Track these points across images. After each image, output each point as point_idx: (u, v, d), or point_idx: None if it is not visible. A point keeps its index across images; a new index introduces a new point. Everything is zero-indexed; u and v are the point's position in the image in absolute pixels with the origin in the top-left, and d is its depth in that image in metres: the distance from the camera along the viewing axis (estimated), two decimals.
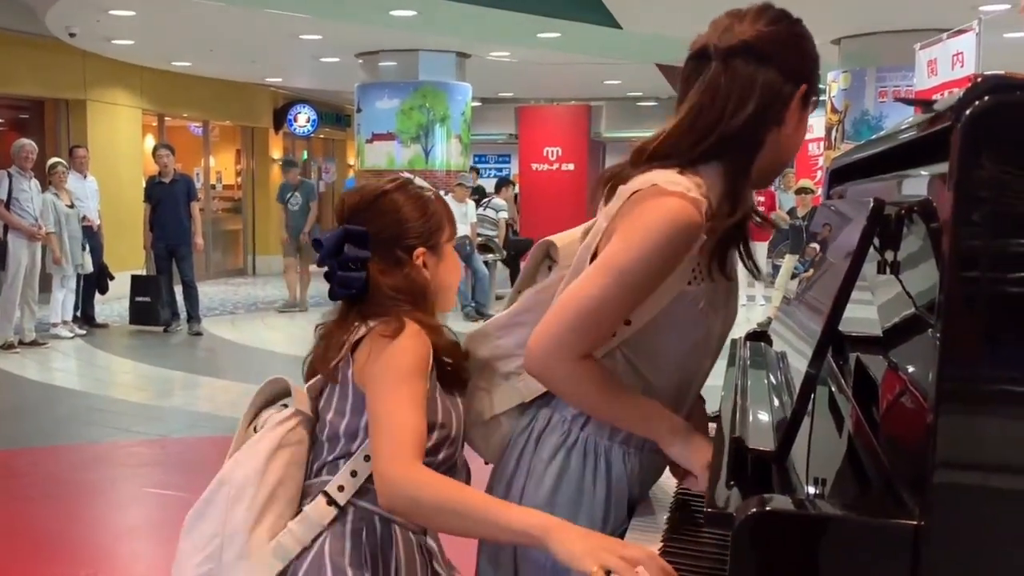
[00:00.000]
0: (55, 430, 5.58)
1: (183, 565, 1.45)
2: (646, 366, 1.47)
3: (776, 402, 1.52)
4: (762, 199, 11.15)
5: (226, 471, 1.47)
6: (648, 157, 1.44)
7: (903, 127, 1.36)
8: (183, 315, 8.96)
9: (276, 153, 15.74)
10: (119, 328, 9.22)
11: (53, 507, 4.17)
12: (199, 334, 8.78)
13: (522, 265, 1.96)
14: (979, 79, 0.90)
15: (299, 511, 1.47)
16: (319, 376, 1.54)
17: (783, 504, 1.03)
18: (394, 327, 1.44)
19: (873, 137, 1.78)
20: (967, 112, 0.91)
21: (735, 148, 1.40)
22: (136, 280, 9.18)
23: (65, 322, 8.49)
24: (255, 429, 1.52)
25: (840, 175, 2.03)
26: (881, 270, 1.21)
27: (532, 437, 1.52)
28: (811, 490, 1.20)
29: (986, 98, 0.90)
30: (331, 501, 1.44)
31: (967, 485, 0.95)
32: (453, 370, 1.52)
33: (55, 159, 8.65)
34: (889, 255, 1.20)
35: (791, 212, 11.00)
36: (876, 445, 1.16)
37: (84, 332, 8.67)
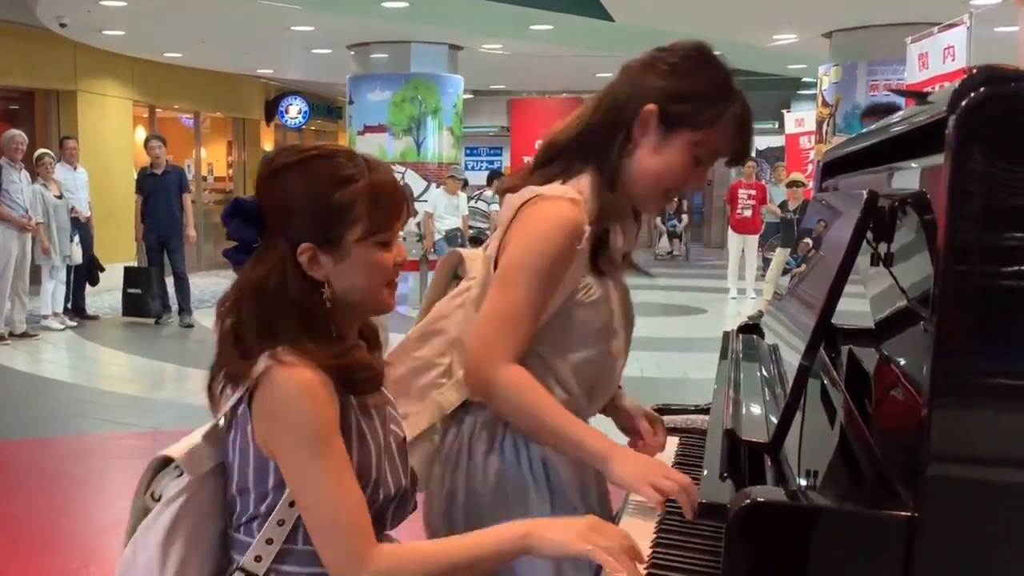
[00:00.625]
0: (45, 422, 5.55)
1: None
2: (559, 363, 1.54)
3: (769, 395, 1.52)
4: (753, 192, 11.16)
5: (127, 557, 1.31)
6: (537, 162, 1.58)
7: (895, 120, 1.36)
8: (174, 307, 8.93)
9: (268, 145, 15.69)
10: (110, 320, 9.19)
11: (43, 499, 4.16)
12: (190, 326, 8.74)
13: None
14: (974, 70, 0.90)
15: (224, 559, 1.34)
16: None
17: (776, 495, 1.04)
18: (283, 378, 1.23)
19: (865, 130, 1.80)
20: (963, 103, 0.90)
21: (595, 157, 1.50)
22: (128, 272, 9.16)
23: (56, 314, 8.47)
24: (152, 496, 1.34)
25: (832, 168, 2.03)
26: (874, 262, 1.21)
27: (463, 445, 1.56)
28: (804, 482, 1.22)
29: (982, 89, 0.90)
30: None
31: (960, 478, 0.95)
32: (364, 381, 1.32)
33: (43, 150, 8.60)
34: (883, 248, 1.20)
35: (782, 205, 11.00)
36: (869, 437, 1.17)
37: (75, 324, 8.65)
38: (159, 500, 1.32)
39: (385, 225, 1.31)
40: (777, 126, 16.02)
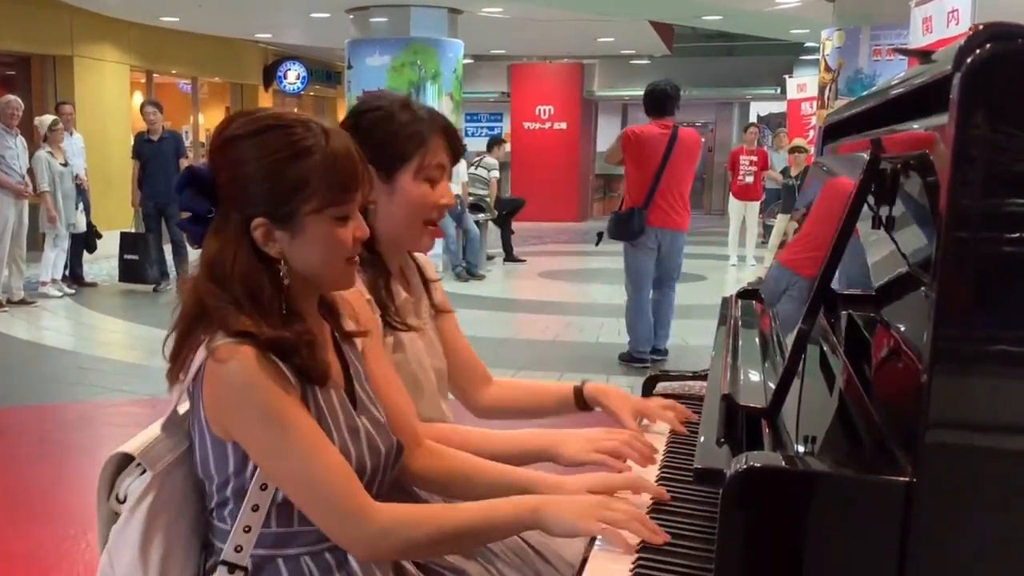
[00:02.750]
0: (43, 389, 5.55)
1: None
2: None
3: (767, 360, 1.51)
4: (755, 158, 11.10)
5: (105, 567, 1.28)
6: None
7: (898, 80, 1.33)
8: (172, 274, 8.90)
9: None
10: (108, 287, 9.17)
11: (41, 466, 4.16)
12: None
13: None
14: (980, 27, 0.87)
15: (208, 563, 1.31)
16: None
17: (773, 460, 1.03)
18: (227, 360, 1.19)
19: (867, 92, 1.76)
20: (968, 60, 0.88)
21: None
22: (125, 237, 9.11)
23: (54, 281, 8.45)
24: (117, 498, 1.30)
25: (834, 131, 2.00)
26: (875, 225, 1.19)
27: None
28: (802, 447, 1.20)
29: (988, 46, 0.87)
30: (233, 567, 1.26)
31: (959, 444, 0.94)
32: (311, 367, 1.26)
33: (52, 117, 8.54)
34: (884, 210, 1.18)
35: (784, 172, 10.96)
36: (868, 403, 1.16)
37: (73, 291, 8.63)
38: (123, 502, 1.28)
39: (342, 198, 1.25)
40: (779, 92, 15.90)
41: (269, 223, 1.23)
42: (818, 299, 1.23)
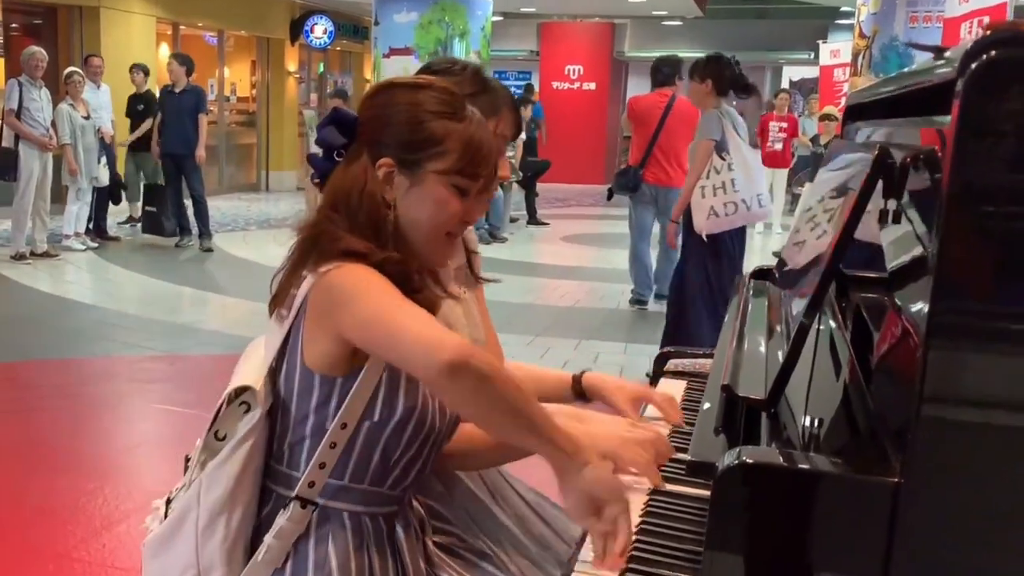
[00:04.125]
0: (65, 343, 5.61)
1: None
2: None
3: (773, 347, 1.48)
4: (784, 125, 10.93)
5: (191, 497, 1.31)
6: None
7: (912, 71, 1.31)
8: (195, 230, 8.93)
9: (292, 65, 15.51)
10: (130, 241, 9.23)
11: (61, 420, 4.21)
12: (210, 250, 8.76)
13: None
14: (988, 31, 0.83)
15: (265, 509, 1.34)
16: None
17: (765, 456, 1.03)
18: (339, 273, 1.22)
19: (888, 77, 1.75)
20: (972, 65, 0.85)
21: None
22: (147, 189, 9.14)
23: (77, 234, 8.50)
24: (216, 435, 1.35)
25: (855, 112, 1.96)
26: (882, 220, 1.18)
27: None
28: (798, 440, 1.21)
29: (993, 52, 0.84)
30: (305, 503, 1.30)
31: (949, 443, 0.94)
32: (421, 301, 1.26)
33: (71, 68, 8.53)
34: (892, 204, 1.16)
35: (814, 139, 10.79)
36: (867, 395, 1.16)
37: (96, 245, 8.68)
38: (223, 440, 1.33)
39: (470, 171, 1.30)
40: (812, 56, 15.61)
41: (394, 164, 1.29)
42: (820, 293, 1.22)
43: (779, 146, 10.97)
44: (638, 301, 6.81)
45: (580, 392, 1.74)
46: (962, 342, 0.92)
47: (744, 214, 4.59)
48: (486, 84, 1.63)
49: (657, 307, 7.04)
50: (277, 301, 1.31)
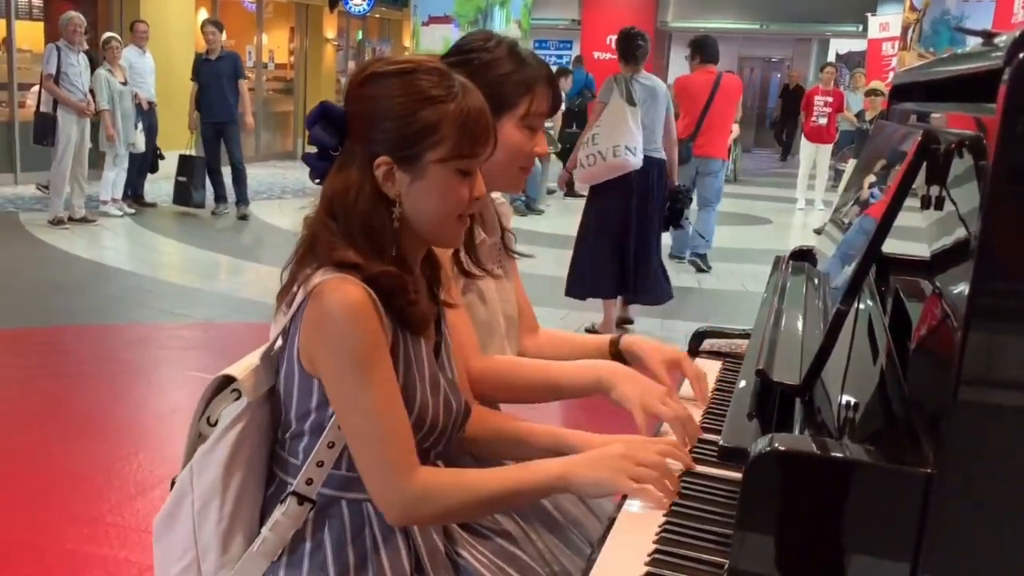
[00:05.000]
0: (102, 308, 5.65)
1: (164, 571, 1.36)
2: None
3: (810, 331, 1.47)
4: (830, 99, 10.71)
5: (184, 481, 1.33)
6: None
7: (963, 54, 1.28)
8: (232, 198, 8.93)
9: (330, 33, 15.46)
10: (167, 208, 9.27)
11: (96, 385, 4.24)
12: (245, 217, 8.77)
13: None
14: None
15: (268, 491, 1.36)
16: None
17: (797, 444, 1.02)
18: (332, 294, 1.21)
19: (937, 58, 1.72)
20: (1021, 55, 0.84)
21: None
22: (181, 159, 9.15)
23: (115, 200, 8.54)
24: (208, 420, 1.35)
25: (903, 92, 1.91)
26: (925, 206, 1.15)
27: None
28: (835, 425, 1.19)
29: None
30: (302, 499, 1.30)
31: (984, 433, 0.92)
32: (409, 313, 1.29)
33: (109, 33, 8.53)
34: (935, 191, 1.13)
35: (859, 115, 10.55)
36: (903, 382, 1.16)
37: (133, 211, 8.72)
38: (214, 425, 1.33)
39: (469, 151, 1.27)
40: (860, 29, 15.26)
41: (392, 162, 1.25)
42: (858, 281, 1.20)
43: (823, 121, 10.75)
44: (673, 256, 7.60)
45: (618, 354, 1.76)
46: (1002, 328, 0.91)
47: (603, 165, 5.07)
48: (522, 60, 1.60)
49: (694, 282, 6.94)
50: (283, 295, 1.31)
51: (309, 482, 1.29)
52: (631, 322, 5.58)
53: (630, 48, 5.33)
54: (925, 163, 1.10)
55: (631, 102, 5.06)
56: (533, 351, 1.83)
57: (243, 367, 1.33)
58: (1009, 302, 0.90)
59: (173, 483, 1.38)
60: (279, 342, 1.30)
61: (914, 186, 1.13)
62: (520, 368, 1.61)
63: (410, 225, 1.29)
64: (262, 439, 1.34)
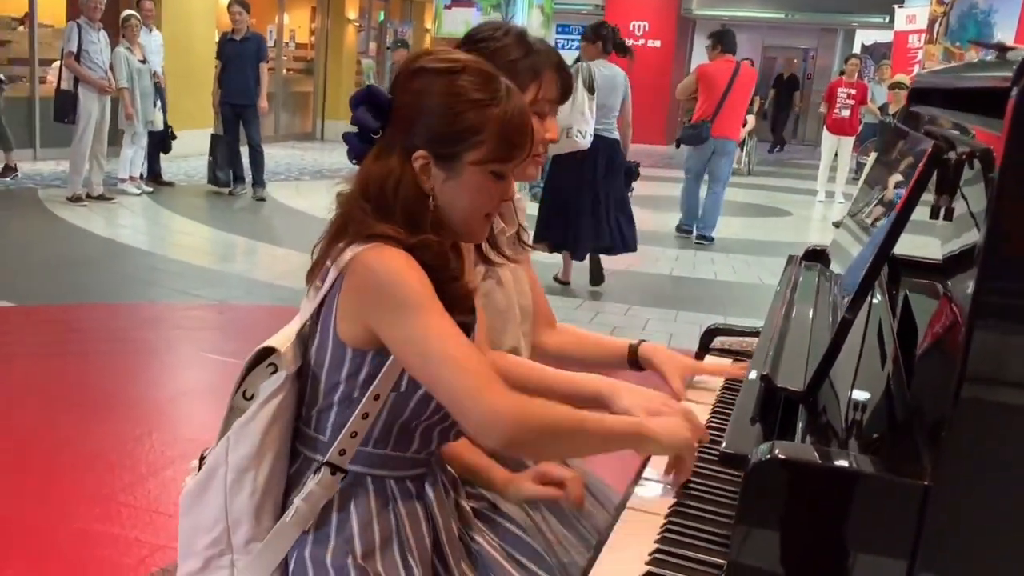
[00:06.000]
0: (117, 287, 5.68)
1: (191, 544, 1.37)
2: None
3: (818, 335, 1.47)
4: (853, 91, 10.60)
5: (219, 454, 1.34)
6: None
7: (977, 64, 1.30)
8: (248, 178, 8.95)
9: (352, 13, 15.41)
10: (184, 188, 9.30)
11: (110, 364, 4.27)
12: (262, 199, 8.78)
13: None
14: None
15: (291, 468, 1.37)
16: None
17: (796, 452, 1.03)
18: (376, 258, 1.23)
19: (956, 65, 1.77)
20: None
21: None
22: (213, 139, 9.14)
23: (132, 178, 8.57)
24: (244, 395, 1.37)
25: (922, 95, 1.90)
26: (934, 216, 1.16)
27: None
28: (841, 432, 1.21)
29: None
30: (335, 470, 1.32)
31: (983, 450, 0.93)
32: (452, 289, 1.30)
33: (128, 11, 8.53)
34: (944, 201, 1.14)
35: (883, 108, 10.44)
36: (907, 390, 1.16)
37: (151, 190, 8.74)
38: (250, 399, 1.35)
39: (507, 155, 1.30)
40: (887, 20, 15.08)
41: (431, 158, 1.27)
42: (865, 288, 1.21)
43: (846, 113, 10.64)
44: (683, 229, 8.42)
45: (635, 361, 1.80)
46: (1002, 344, 0.91)
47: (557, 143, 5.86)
48: (529, 47, 1.61)
49: (710, 274, 6.91)
50: (314, 272, 1.32)
51: (342, 452, 1.31)
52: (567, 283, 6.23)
53: (602, 37, 5.95)
54: (935, 174, 1.10)
55: (591, 90, 5.59)
56: (554, 346, 1.85)
57: (282, 339, 1.35)
58: (1008, 322, 0.90)
59: (202, 458, 1.39)
60: (312, 319, 1.32)
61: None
62: (520, 369, 1.61)
63: (439, 217, 1.31)
64: (290, 418, 1.35)
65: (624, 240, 6.09)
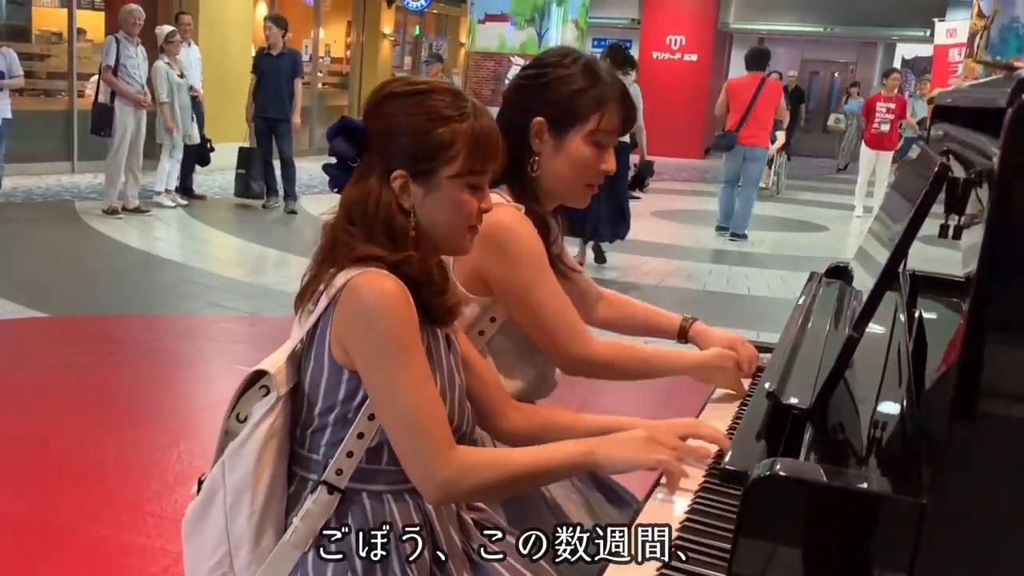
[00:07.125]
0: (151, 298, 5.73)
1: (196, 570, 1.39)
2: (525, 342, 1.67)
3: (830, 352, 1.46)
4: (892, 105, 10.48)
5: (216, 477, 1.37)
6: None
7: (987, 83, 1.33)
8: (281, 192, 9.01)
9: (387, 28, 15.54)
10: (218, 201, 9.38)
11: (143, 375, 4.30)
12: (294, 212, 8.84)
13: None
14: None
15: (289, 489, 1.39)
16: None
17: (795, 469, 1.03)
18: (368, 286, 1.28)
19: (972, 83, 1.78)
20: (1022, 98, 0.87)
21: (509, 172, 1.57)
22: (240, 151, 9.25)
23: (168, 191, 8.66)
24: (238, 417, 1.39)
25: (946, 113, 1.89)
26: (943, 235, 1.17)
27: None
28: (843, 451, 1.22)
29: None
30: (332, 489, 1.35)
31: (981, 468, 0.93)
32: (437, 304, 1.38)
33: (171, 28, 8.65)
34: (952, 220, 1.16)
35: (921, 123, 10.29)
36: (914, 405, 1.17)
37: (185, 203, 8.82)
38: (243, 421, 1.38)
39: (480, 167, 1.35)
40: (928, 34, 14.90)
41: (408, 176, 1.34)
42: (871, 307, 1.22)
43: (885, 127, 10.52)
44: (721, 228, 9.26)
45: (684, 335, 1.95)
46: (1000, 368, 0.91)
47: None
48: (597, 78, 1.65)
49: (743, 289, 6.84)
50: (304, 297, 1.37)
51: (339, 472, 1.34)
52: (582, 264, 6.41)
53: (620, 58, 6.81)
54: (944, 192, 1.12)
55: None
56: (609, 317, 2.01)
57: (274, 362, 1.37)
58: (1003, 340, 0.91)
59: (199, 483, 1.41)
60: (303, 341, 1.35)
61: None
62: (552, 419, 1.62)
63: (423, 234, 1.37)
64: (285, 439, 1.38)
65: (597, 230, 6.80)
